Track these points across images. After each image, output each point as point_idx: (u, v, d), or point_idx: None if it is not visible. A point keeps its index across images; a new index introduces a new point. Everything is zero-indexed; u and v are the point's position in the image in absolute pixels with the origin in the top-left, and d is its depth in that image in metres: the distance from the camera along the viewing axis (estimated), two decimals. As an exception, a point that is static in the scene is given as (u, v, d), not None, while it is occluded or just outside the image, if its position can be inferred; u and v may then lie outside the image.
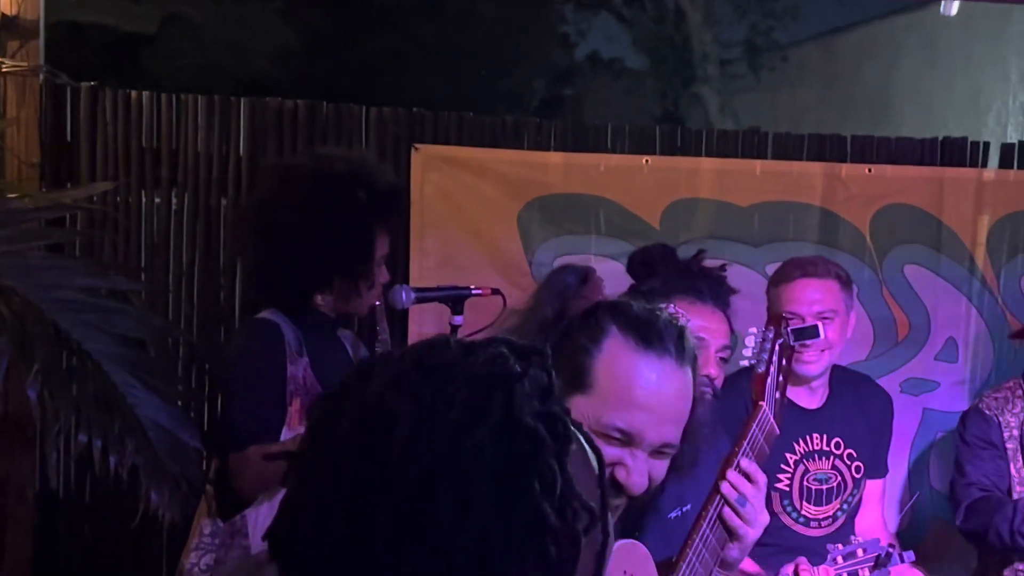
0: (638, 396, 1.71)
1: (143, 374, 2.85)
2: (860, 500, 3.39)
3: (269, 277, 2.96)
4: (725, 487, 2.05)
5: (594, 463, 1.15)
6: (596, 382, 1.71)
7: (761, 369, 2.32)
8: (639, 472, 1.70)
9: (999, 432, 3.54)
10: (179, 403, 3.02)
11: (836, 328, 3.22)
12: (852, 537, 2.96)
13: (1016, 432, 3.54)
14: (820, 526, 3.30)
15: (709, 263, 3.15)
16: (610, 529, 1.16)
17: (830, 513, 3.31)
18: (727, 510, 2.03)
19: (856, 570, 2.80)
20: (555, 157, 3.96)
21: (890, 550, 2.82)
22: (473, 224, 3.91)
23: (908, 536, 3.68)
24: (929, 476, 4.15)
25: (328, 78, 10.25)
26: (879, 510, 3.51)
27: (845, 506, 3.33)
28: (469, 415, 1.06)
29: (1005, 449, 3.53)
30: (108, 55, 9.31)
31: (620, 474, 1.69)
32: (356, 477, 1.06)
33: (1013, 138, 4.35)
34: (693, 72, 15.99)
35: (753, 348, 2.41)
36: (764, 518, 2.08)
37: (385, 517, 1.05)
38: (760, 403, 2.26)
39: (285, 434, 2.85)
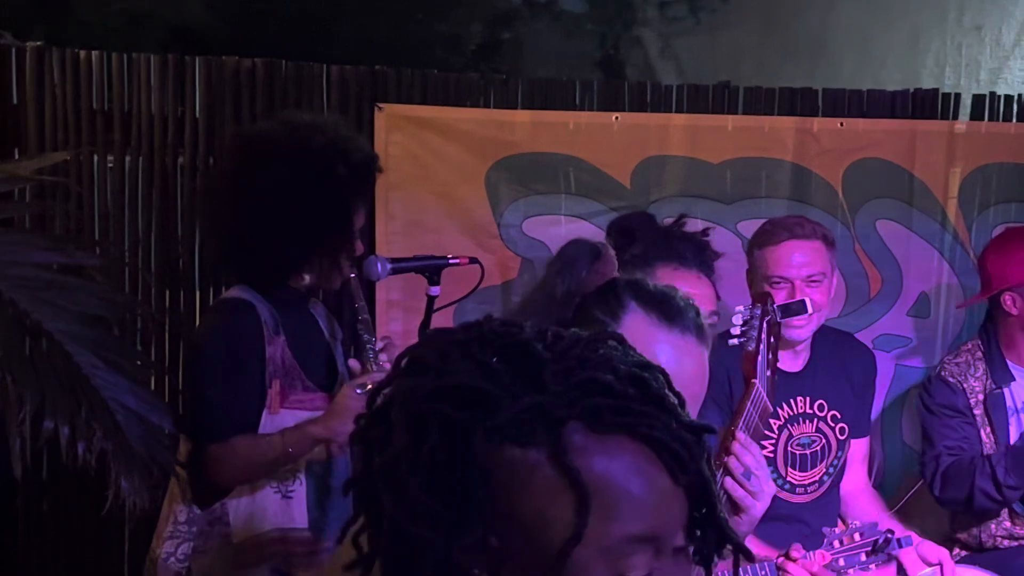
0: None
1: (108, 354, 2.71)
2: (844, 462, 3.36)
3: (244, 256, 2.81)
4: (732, 461, 2.04)
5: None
6: None
7: (751, 347, 2.32)
8: None
9: (964, 399, 3.51)
10: (147, 384, 2.90)
11: (824, 290, 3.16)
12: (851, 521, 2.92)
13: (981, 397, 3.51)
14: (806, 492, 3.26)
15: (690, 226, 3.10)
16: None
17: (816, 478, 3.28)
18: (732, 483, 2.02)
19: (854, 555, 2.74)
20: (522, 115, 3.86)
21: (888, 535, 2.77)
22: (440, 186, 3.80)
23: (881, 492, 3.65)
24: (901, 432, 4.13)
25: (257, 21, 9.95)
26: (863, 470, 3.49)
27: (831, 470, 3.30)
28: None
29: (973, 415, 3.50)
30: (34, 5, 8.99)
31: None
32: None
33: (951, 80, 4.30)
34: (633, 15, 15.89)
35: (741, 326, 2.39)
36: (771, 488, 2.09)
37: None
38: (753, 381, 2.26)
39: (265, 419, 2.74)
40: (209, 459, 2.74)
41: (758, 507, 2.05)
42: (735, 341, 2.42)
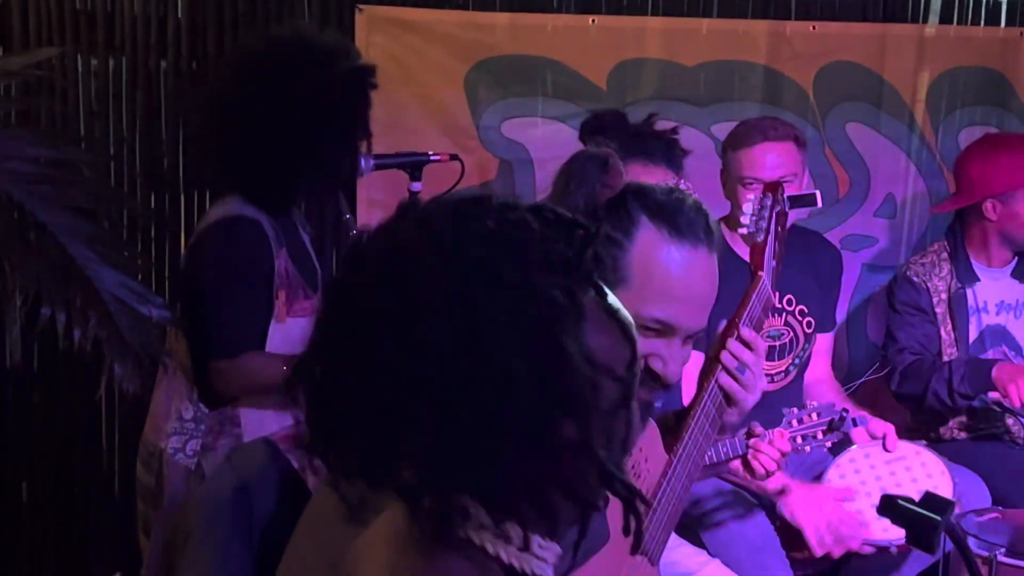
0: (676, 287, 1.71)
1: (99, 246, 2.80)
2: (810, 354, 3.49)
3: (250, 175, 2.84)
4: (726, 356, 2.05)
5: (627, 352, 1.18)
6: (631, 276, 1.70)
7: (760, 238, 2.27)
8: (676, 361, 1.72)
9: (928, 298, 3.64)
10: (135, 275, 2.98)
11: (795, 190, 3.25)
12: (808, 402, 3.03)
13: (944, 296, 3.64)
14: (773, 381, 3.39)
15: (660, 126, 3.17)
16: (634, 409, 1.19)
17: (783, 368, 3.41)
18: (726, 378, 2.04)
19: (810, 433, 2.88)
20: (501, 18, 3.91)
21: (844, 414, 2.90)
22: (420, 87, 3.86)
23: (844, 384, 3.78)
24: (866, 329, 4.26)
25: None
26: (826, 362, 3.62)
27: (797, 360, 3.43)
28: (485, 275, 1.09)
29: (935, 314, 3.64)
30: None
31: (657, 365, 1.70)
32: (383, 311, 1.10)
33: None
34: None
35: (751, 216, 2.32)
36: (762, 383, 2.10)
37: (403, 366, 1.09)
38: (760, 273, 2.23)
39: (273, 328, 2.82)
40: (217, 373, 2.80)
41: (750, 400, 2.07)
42: (744, 231, 2.34)
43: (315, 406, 1.16)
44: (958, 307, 3.63)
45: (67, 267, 2.69)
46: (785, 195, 2.34)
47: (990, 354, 3.63)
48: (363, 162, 2.97)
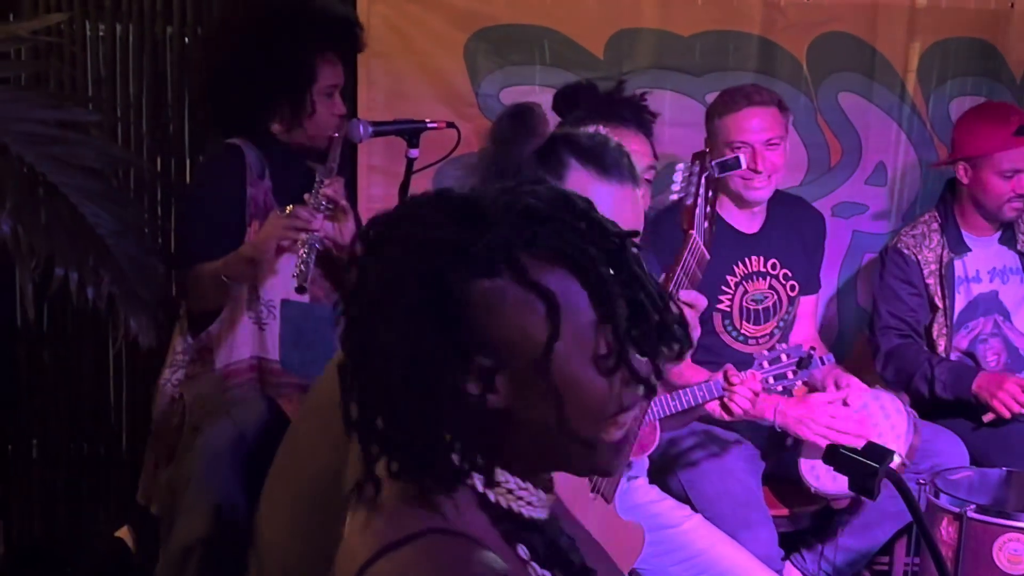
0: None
1: (110, 204, 2.91)
2: (795, 317, 3.59)
3: (215, 102, 3.10)
4: None
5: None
6: None
7: (689, 201, 2.52)
8: None
9: (918, 270, 3.72)
10: (143, 232, 3.10)
11: (780, 153, 3.35)
12: (777, 345, 3.17)
13: (935, 267, 3.71)
14: (758, 343, 3.50)
15: (631, 91, 3.28)
16: None
17: (767, 331, 3.51)
18: None
19: (782, 372, 3.03)
20: (500, -12, 3.99)
21: (811, 352, 3.06)
22: (420, 56, 3.94)
23: (836, 351, 3.87)
24: (856, 295, 4.35)
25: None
26: (812, 324, 3.73)
27: (781, 323, 3.54)
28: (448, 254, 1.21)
29: (925, 286, 3.71)
30: None
31: None
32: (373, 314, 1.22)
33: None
34: None
35: (680, 183, 2.59)
36: (696, 333, 2.32)
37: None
38: (691, 232, 2.47)
39: None
40: (179, 286, 2.99)
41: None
42: (675, 196, 2.63)
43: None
44: (948, 278, 3.70)
45: (79, 226, 2.80)
46: (712, 161, 2.54)
47: (981, 321, 3.72)
48: (362, 128, 3.07)
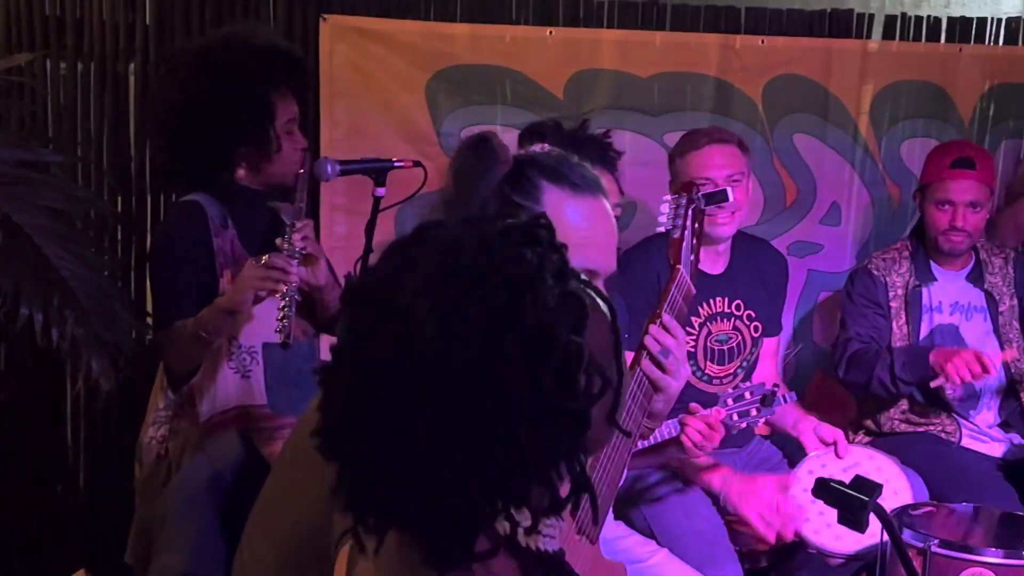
0: (588, 235, 1.89)
1: (72, 246, 2.90)
2: (757, 358, 3.63)
3: (176, 154, 3.05)
4: (648, 340, 2.22)
5: (608, 315, 1.28)
6: None
7: (677, 235, 2.50)
8: None
9: (885, 292, 3.80)
10: (105, 274, 3.08)
11: (742, 190, 3.40)
12: (740, 384, 3.21)
13: (901, 292, 3.79)
14: (722, 383, 3.52)
15: (593, 130, 3.32)
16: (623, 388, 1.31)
17: (731, 371, 3.54)
18: (649, 364, 2.21)
19: (746, 410, 3.06)
20: (461, 28, 4.02)
21: (775, 389, 3.10)
22: (382, 95, 3.97)
23: (793, 387, 3.92)
24: (812, 332, 4.42)
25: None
26: (773, 365, 3.77)
27: (744, 363, 3.57)
28: (498, 321, 1.15)
29: (889, 308, 3.79)
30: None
31: None
32: (394, 381, 1.15)
33: (866, 1, 4.54)
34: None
35: (668, 215, 2.56)
36: (686, 370, 2.28)
37: (423, 418, 1.14)
38: (678, 266, 2.45)
39: None
40: (157, 347, 2.96)
41: (674, 386, 2.24)
42: (662, 228, 2.61)
43: (348, 460, 1.21)
44: (913, 304, 3.78)
45: (43, 267, 2.79)
46: (699, 193, 2.53)
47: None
48: (329, 167, 3.07)
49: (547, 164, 1.94)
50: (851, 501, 1.56)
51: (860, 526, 1.57)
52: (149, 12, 3.87)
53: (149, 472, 2.98)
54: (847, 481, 2.15)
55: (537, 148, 2.05)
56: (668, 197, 2.60)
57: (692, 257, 2.50)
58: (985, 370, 3.45)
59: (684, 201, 2.53)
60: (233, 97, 2.98)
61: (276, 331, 2.80)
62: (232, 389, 2.95)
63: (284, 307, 2.81)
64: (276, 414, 2.96)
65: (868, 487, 1.57)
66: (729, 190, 2.77)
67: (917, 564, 2.79)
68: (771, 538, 3.19)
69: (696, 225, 2.56)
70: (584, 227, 1.90)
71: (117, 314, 2.90)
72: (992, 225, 4.04)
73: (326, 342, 3.35)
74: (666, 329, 2.25)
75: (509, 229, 1.23)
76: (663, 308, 2.30)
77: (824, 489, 1.62)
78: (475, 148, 1.99)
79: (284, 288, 2.81)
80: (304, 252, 2.91)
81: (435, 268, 1.18)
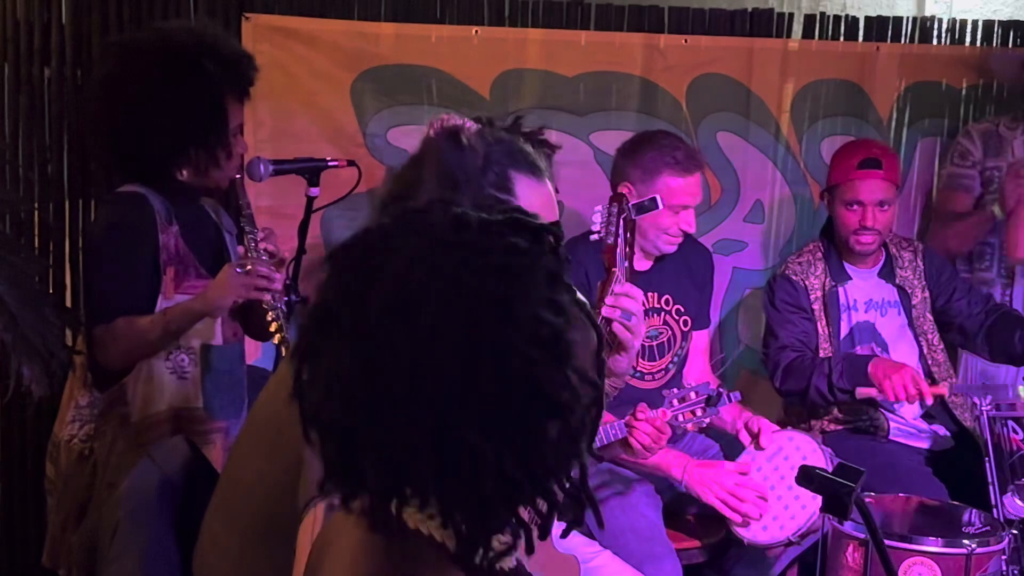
0: (549, 216, 1.98)
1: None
2: (688, 352, 3.66)
3: (126, 153, 2.94)
4: (606, 310, 2.32)
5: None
6: None
7: (610, 241, 2.58)
8: None
9: (806, 295, 3.85)
10: (34, 277, 2.99)
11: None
12: (685, 383, 3.24)
13: (819, 293, 3.85)
14: (654, 379, 3.55)
15: (527, 128, 3.32)
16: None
17: (663, 366, 3.56)
18: (617, 325, 2.31)
19: (691, 409, 3.10)
20: (387, 28, 3.98)
21: (720, 390, 3.15)
22: (306, 95, 3.91)
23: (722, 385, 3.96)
24: (738, 330, 4.46)
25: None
26: (704, 359, 3.80)
27: (675, 358, 3.59)
28: (491, 310, 1.14)
29: (812, 311, 3.84)
30: None
31: None
32: (392, 350, 1.13)
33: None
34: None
35: (600, 223, 2.63)
36: (643, 329, 2.42)
37: (403, 385, 1.13)
38: (613, 269, 2.52)
39: (160, 304, 2.87)
40: (95, 342, 2.88)
41: (636, 344, 2.37)
42: (596, 236, 2.66)
43: (331, 440, 1.19)
44: (831, 304, 3.84)
45: (-33, 272, 2.69)
46: (630, 203, 2.63)
47: (859, 350, 3.84)
48: (262, 167, 3.03)
49: (510, 150, 2.01)
50: (836, 488, 1.57)
51: (844, 513, 1.58)
52: (65, 13, 3.76)
53: (70, 472, 2.90)
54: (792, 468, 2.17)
55: (469, 124, 2.09)
56: (599, 207, 2.66)
57: (625, 264, 2.57)
58: (921, 396, 3.51)
59: (615, 210, 2.61)
60: (203, 101, 2.92)
61: (275, 343, 2.78)
62: (167, 390, 2.89)
63: (276, 319, 2.79)
64: (210, 417, 2.91)
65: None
66: (658, 198, 2.85)
67: (859, 555, 2.83)
68: (736, 519, 3.26)
69: (628, 233, 2.64)
70: (547, 208, 1.99)
71: (45, 317, 2.81)
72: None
73: (249, 345, 3.30)
74: (624, 293, 2.35)
75: (515, 218, 1.23)
76: (613, 280, 2.39)
77: (808, 476, 1.62)
78: (451, 139, 2.05)
79: (268, 296, 2.78)
80: (278, 257, 2.89)
81: (438, 238, 1.17)
